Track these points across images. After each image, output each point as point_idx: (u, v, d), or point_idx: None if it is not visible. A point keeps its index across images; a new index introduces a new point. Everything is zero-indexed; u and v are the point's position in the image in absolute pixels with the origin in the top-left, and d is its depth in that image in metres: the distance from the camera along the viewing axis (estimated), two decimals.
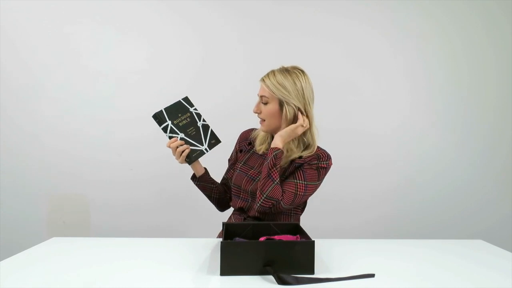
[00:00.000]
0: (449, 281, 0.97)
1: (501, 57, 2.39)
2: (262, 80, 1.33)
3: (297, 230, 1.15)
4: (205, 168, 1.45)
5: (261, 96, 1.33)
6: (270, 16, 2.31)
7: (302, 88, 1.29)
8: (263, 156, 1.39)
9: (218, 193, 1.46)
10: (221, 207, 1.50)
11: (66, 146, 2.26)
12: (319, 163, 1.29)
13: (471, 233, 2.33)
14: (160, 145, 2.27)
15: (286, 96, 1.28)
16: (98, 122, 2.28)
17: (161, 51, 2.30)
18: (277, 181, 1.24)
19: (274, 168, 1.24)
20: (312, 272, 0.96)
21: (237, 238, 1.11)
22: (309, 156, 1.31)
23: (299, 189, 1.26)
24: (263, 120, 1.35)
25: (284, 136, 1.29)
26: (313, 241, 0.96)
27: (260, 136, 1.42)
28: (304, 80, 1.30)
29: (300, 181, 1.27)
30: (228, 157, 1.53)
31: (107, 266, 1.04)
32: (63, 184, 2.27)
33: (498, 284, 0.95)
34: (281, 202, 1.24)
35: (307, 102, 1.31)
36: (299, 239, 1.07)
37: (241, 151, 1.48)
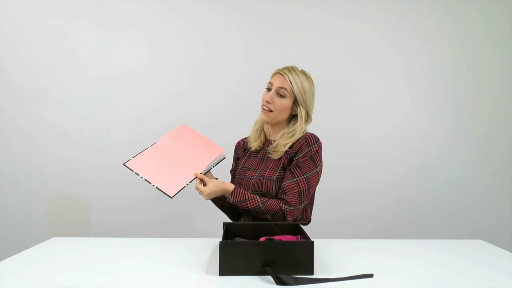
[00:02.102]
0: (449, 281, 0.97)
1: (501, 57, 2.39)
2: (284, 73, 1.34)
3: (298, 230, 1.15)
4: (216, 179, 1.44)
5: (280, 88, 1.33)
6: (270, 16, 2.31)
7: (313, 93, 1.37)
8: (257, 155, 1.41)
9: (230, 204, 1.45)
10: (234, 216, 1.49)
11: (66, 146, 2.27)
12: (310, 149, 1.30)
13: (471, 233, 2.33)
14: None
15: (302, 98, 1.33)
16: (98, 122, 2.28)
17: (161, 51, 2.30)
18: (260, 202, 1.27)
19: (248, 202, 1.27)
20: (312, 272, 0.96)
21: (237, 238, 1.11)
22: (297, 143, 1.31)
23: (301, 185, 1.27)
24: (269, 111, 1.34)
25: (218, 190, 1.29)
26: (312, 242, 0.96)
27: (253, 133, 1.45)
28: (314, 85, 1.38)
29: (299, 177, 1.28)
30: (230, 169, 1.55)
31: (107, 266, 1.04)
32: (63, 184, 2.27)
33: (498, 284, 0.95)
34: (286, 206, 1.25)
35: (312, 105, 1.38)
36: (299, 240, 1.07)
37: (238, 158, 1.52)
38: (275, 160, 1.34)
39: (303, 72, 1.37)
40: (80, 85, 2.27)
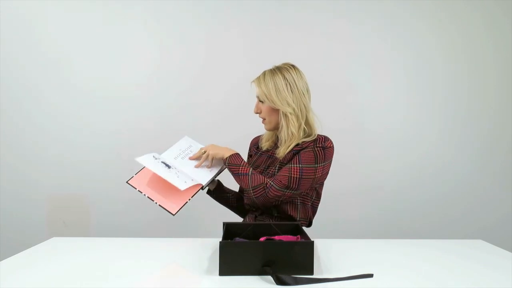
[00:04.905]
0: (449, 281, 0.97)
1: (501, 57, 2.39)
2: (254, 81, 1.38)
3: (298, 230, 1.14)
4: (218, 180, 1.50)
5: (257, 96, 1.39)
6: (270, 15, 2.31)
7: (294, 80, 1.32)
8: (268, 154, 1.43)
9: (236, 200, 1.49)
10: (242, 213, 1.52)
11: (66, 146, 2.27)
12: (314, 146, 1.30)
13: (471, 233, 2.32)
14: (160, 144, 2.28)
15: (275, 96, 1.31)
16: (98, 122, 2.28)
17: (161, 51, 2.30)
18: (250, 172, 1.29)
19: (240, 167, 1.30)
20: (311, 273, 0.96)
21: (237, 238, 1.11)
22: (306, 142, 1.32)
23: (293, 172, 1.26)
24: (264, 119, 1.39)
25: (221, 149, 1.36)
26: (312, 242, 0.96)
27: (266, 134, 1.47)
28: (295, 73, 1.34)
29: (295, 165, 1.27)
30: None
31: (107, 266, 1.04)
32: (63, 184, 2.27)
33: (498, 284, 0.95)
34: (272, 183, 1.25)
35: (301, 93, 1.32)
36: (299, 240, 1.07)
37: (250, 156, 1.55)
38: (281, 159, 1.35)
39: (274, 69, 1.36)
40: (79, 85, 2.27)
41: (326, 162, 1.32)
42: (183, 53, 2.30)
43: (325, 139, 1.32)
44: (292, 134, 1.32)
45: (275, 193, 1.26)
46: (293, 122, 1.31)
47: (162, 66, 2.30)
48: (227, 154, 1.34)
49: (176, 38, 2.30)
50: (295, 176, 1.26)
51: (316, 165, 1.29)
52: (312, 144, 1.31)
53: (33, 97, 2.25)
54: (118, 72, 2.29)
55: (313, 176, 1.29)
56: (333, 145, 1.33)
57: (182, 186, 1.24)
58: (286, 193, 1.27)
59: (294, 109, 1.31)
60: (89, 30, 2.26)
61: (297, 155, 1.30)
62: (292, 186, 1.26)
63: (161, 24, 2.29)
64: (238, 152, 1.37)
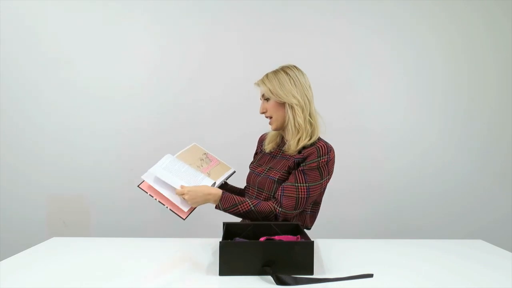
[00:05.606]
0: (449, 281, 0.97)
1: (501, 57, 2.39)
2: (258, 83, 1.39)
3: (298, 230, 1.15)
4: (225, 181, 1.48)
5: (262, 95, 1.39)
6: (270, 15, 2.31)
7: (296, 75, 1.34)
8: (271, 154, 1.43)
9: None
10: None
11: (66, 146, 2.27)
12: (319, 160, 1.28)
13: (471, 233, 2.33)
14: (160, 144, 2.28)
15: (280, 90, 1.32)
16: (98, 122, 2.28)
17: (160, 51, 2.30)
18: (251, 206, 1.26)
19: (238, 206, 1.26)
20: (311, 273, 0.96)
21: (237, 238, 1.11)
22: (308, 150, 1.30)
23: (301, 192, 1.26)
24: (270, 118, 1.38)
25: (201, 197, 1.27)
26: (312, 242, 0.96)
27: (269, 135, 1.47)
28: (296, 71, 1.36)
29: (302, 184, 1.27)
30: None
31: (107, 266, 1.04)
32: (63, 184, 2.27)
33: (498, 284, 0.95)
34: (281, 209, 1.25)
35: (304, 87, 1.34)
36: (299, 240, 1.07)
37: (256, 153, 1.56)
38: (283, 160, 1.35)
39: (276, 70, 1.38)
40: (80, 85, 2.26)
41: (330, 174, 1.33)
42: (183, 53, 2.30)
43: (327, 149, 1.30)
44: (299, 125, 1.31)
45: (285, 216, 1.27)
46: (299, 113, 1.32)
47: (162, 66, 2.30)
48: (213, 201, 1.28)
49: (176, 38, 2.30)
50: (302, 196, 1.26)
51: (322, 181, 1.29)
52: (316, 155, 1.28)
53: (33, 97, 2.25)
54: (118, 72, 2.28)
55: (319, 191, 1.31)
56: (334, 154, 1.33)
57: (183, 214, 1.27)
58: (295, 212, 1.28)
59: (299, 100, 1.32)
60: (89, 30, 2.26)
61: (302, 172, 1.28)
62: (300, 205, 1.27)
63: (161, 24, 2.29)
64: (220, 189, 1.32)
